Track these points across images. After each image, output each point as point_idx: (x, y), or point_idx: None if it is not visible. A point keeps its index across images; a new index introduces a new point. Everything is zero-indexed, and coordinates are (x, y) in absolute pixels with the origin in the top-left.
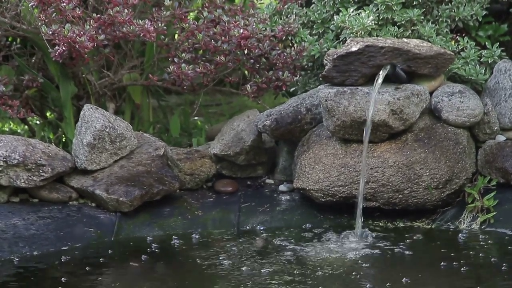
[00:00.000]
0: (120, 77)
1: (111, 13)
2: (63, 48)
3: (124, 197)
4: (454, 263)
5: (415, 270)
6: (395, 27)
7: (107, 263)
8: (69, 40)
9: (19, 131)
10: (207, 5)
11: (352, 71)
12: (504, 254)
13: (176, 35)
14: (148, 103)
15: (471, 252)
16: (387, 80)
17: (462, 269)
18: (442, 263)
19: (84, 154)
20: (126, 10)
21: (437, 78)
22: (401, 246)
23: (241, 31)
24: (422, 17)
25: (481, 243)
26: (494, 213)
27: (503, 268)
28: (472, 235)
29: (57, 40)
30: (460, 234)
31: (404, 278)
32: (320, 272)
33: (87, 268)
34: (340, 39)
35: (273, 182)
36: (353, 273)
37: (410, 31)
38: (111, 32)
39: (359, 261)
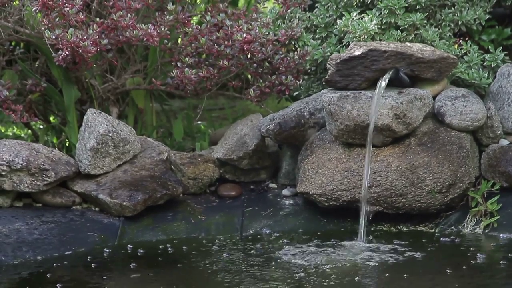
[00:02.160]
0: (124, 82)
1: (114, 18)
2: (67, 52)
3: (128, 202)
4: (463, 267)
5: (421, 274)
6: (398, 31)
7: (110, 267)
8: (72, 44)
9: (22, 135)
10: (210, 9)
11: (355, 75)
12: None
13: (179, 40)
14: (151, 108)
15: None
16: (390, 84)
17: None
18: (449, 268)
19: (88, 159)
20: (129, 15)
21: (440, 82)
22: (405, 250)
23: (244, 35)
24: (425, 21)
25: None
26: (498, 217)
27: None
28: (475, 239)
29: (60, 45)
30: (463, 238)
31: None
32: (323, 277)
33: (90, 272)
34: (343, 43)
35: (276, 186)
36: (357, 278)
37: (413, 35)
38: (114, 37)
39: (363, 266)
